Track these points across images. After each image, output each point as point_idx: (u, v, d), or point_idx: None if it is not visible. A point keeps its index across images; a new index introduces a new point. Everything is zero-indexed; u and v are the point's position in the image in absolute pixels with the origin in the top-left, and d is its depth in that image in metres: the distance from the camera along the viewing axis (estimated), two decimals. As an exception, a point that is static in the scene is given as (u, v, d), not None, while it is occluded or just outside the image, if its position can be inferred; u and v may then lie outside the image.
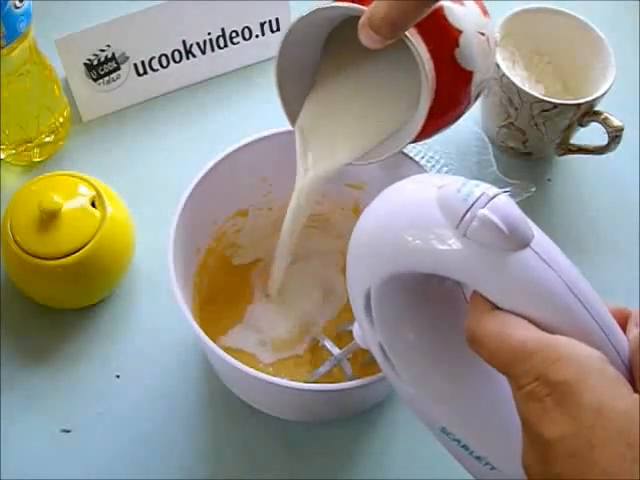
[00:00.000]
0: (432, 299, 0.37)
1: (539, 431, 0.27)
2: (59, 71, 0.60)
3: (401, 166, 0.48)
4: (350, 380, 0.47)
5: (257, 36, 0.66)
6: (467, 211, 0.30)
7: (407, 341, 0.37)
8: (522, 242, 0.30)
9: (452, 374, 0.36)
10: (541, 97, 0.57)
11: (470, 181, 0.32)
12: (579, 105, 0.57)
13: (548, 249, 0.30)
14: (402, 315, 0.37)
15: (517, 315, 0.30)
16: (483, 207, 0.30)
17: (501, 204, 0.30)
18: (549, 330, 0.29)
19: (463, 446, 0.35)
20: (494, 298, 0.30)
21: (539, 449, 0.28)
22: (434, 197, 0.32)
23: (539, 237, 0.31)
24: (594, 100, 0.57)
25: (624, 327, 0.31)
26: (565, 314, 0.30)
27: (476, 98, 0.44)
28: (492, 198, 0.31)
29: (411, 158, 0.48)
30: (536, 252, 0.30)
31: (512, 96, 0.58)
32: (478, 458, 0.34)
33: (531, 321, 0.29)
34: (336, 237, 0.56)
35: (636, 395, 0.27)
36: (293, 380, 0.48)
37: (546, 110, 0.57)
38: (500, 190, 0.31)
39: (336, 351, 0.49)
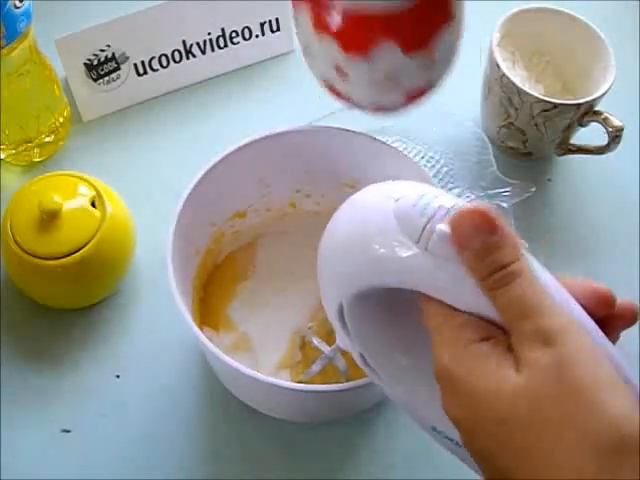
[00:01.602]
0: (407, 310, 0.36)
1: (450, 416, 0.30)
2: (59, 71, 0.60)
3: (398, 166, 0.48)
4: (345, 375, 0.47)
5: (257, 36, 0.66)
6: (425, 225, 0.30)
7: (385, 352, 0.37)
8: None
9: (431, 376, 0.36)
10: (541, 97, 0.57)
11: (428, 192, 0.32)
12: (579, 105, 0.57)
13: None
14: (378, 328, 0.37)
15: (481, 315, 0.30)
16: (442, 220, 0.30)
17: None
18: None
19: (456, 443, 0.35)
20: (461, 307, 0.30)
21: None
22: (391, 210, 0.32)
23: None
24: (594, 100, 0.57)
25: (601, 311, 0.31)
26: None
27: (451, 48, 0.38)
28: (450, 210, 0.30)
29: (410, 159, 0.48)
30: None
31: (512, 96, 0.58)
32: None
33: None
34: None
35: (507, 371, 0.28)
36: (291, 380, 0.49)
37: (546, 110, 0.57)
38: (459, 200, 0.31)
39: (326, 349, 0.49)
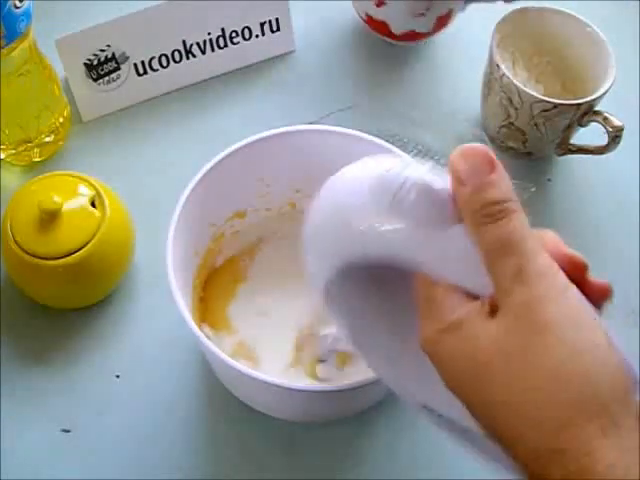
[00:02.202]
0: (390, 288, 0.37)
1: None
2: (59, 71, 0.60)
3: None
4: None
5: (257, 36, 0.66)
6: (395, 194, 0.31)
7: (370, 330, 0.38)
8: (457, 216, 0.30)
9: (418, 355, 0.36)
10: (541, 97, 0.57)
11: (398, 164, 0.32)
12: (579, 105, 0.57)
13: None
14: (362, 306, 0.37)
15: (459, 286, 0.30)
16: (411, 188, 0.31)
17: (428, 184, 0.31)
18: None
19: (447, 420, 0.35)
20: (436, 274, 0.31)
21: None
22: (366, 184, 0.32)
23: None
24: (594, 100, 0.57)
25: (575, 277, 0.31)
26: None
27: None
28: (418, 179, 0.31)
29: (409, 159, 0.48)
30: None
31: (512, 96, 0.58)
32: (464, 430, 0.34)
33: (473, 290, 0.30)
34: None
35: (482, 325, 0.29)
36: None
37: (546, 110, 0.57)
38: (427, 170, 0.32)
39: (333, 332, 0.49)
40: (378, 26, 0.67)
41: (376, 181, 0.32)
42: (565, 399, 0.26)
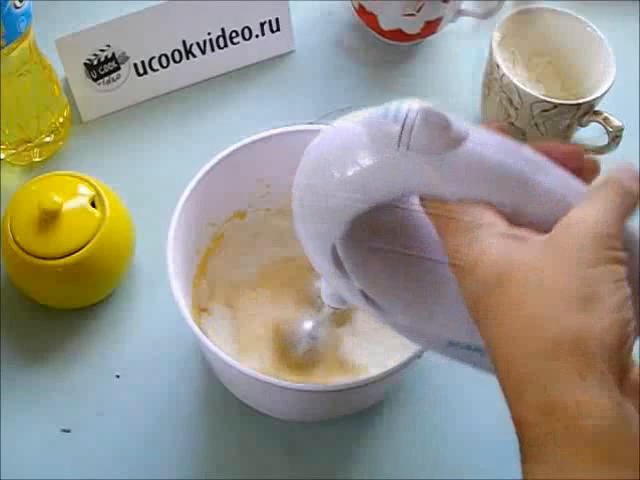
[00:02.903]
0: (397, 228, 0.37)
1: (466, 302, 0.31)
2: (59, 71, 0.60)
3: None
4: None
5: (257, 36, 0.66)
6: (402, 129, 0.31)
7: (385, 278, 0.37)
8: (462, 135, 0.31)
9: (440, 290, 0.36)
10: (541, 97, 0.57)
11: (390, 104, 0.32)
12: (579, 105, 0.57)
13: (485, 136, 0.32)
14: (374, 257, 0.37)
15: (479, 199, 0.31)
16: (415, 117, 0.31)
17: (430, 110, 0.31)
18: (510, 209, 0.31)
19: (475, 349, 0.34)
20: (452, 194, 0.31)
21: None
22: (362, 133, 0.32)
23: (474, 129, 0.32)
24: (594, 100, 0.57)
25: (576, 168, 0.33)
26: (519, 186, 0.31)
27: None
28: (419, 110, 0.31)
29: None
30: (476, 141, 0.31)
31: (512, 96, 0.58)
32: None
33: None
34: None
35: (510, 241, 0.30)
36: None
37: (546, 110, 0.57)
38: (423, 102, 0.32)
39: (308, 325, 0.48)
40: (368, 19, 0.67)
41: (375, 128, 0.32)
42: (554, 335, 0.27)
